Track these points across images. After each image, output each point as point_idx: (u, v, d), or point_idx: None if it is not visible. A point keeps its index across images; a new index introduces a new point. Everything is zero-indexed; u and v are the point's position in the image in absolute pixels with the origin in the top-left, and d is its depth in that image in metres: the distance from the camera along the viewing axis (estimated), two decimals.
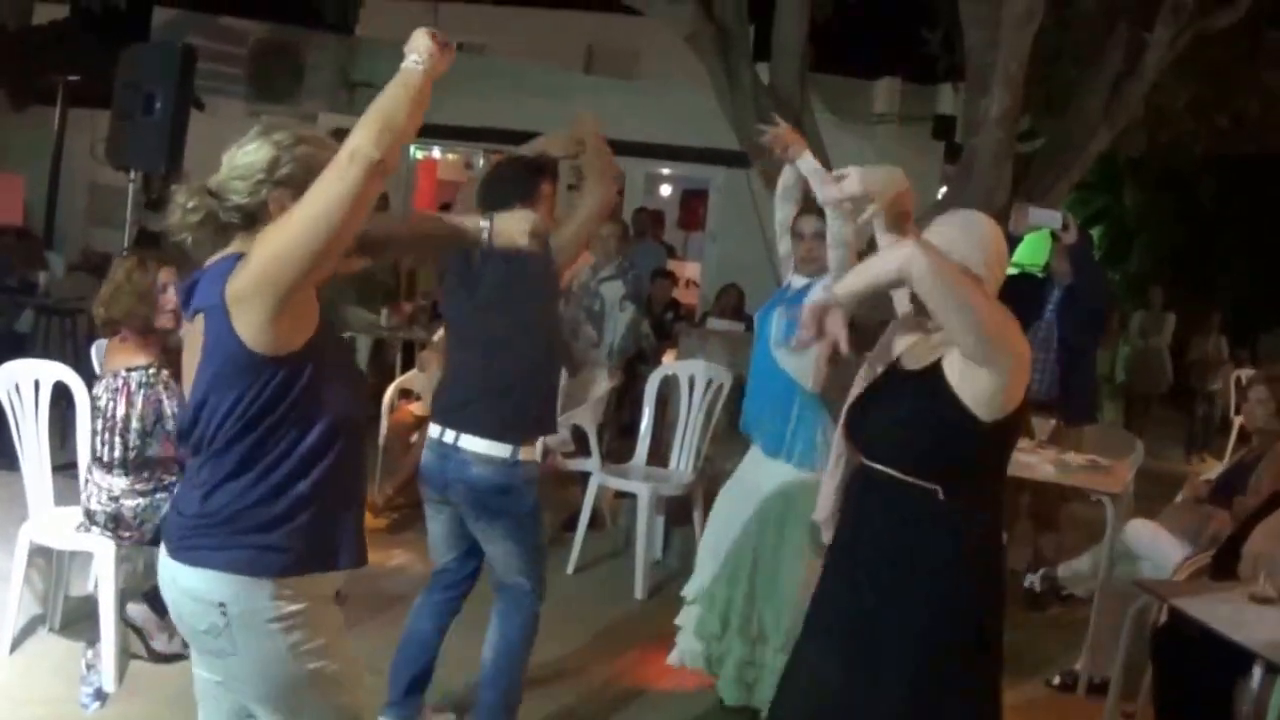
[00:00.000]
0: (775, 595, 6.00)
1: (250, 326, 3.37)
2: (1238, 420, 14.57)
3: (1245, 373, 15.51)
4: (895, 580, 4.09)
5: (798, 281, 6.23)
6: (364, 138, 3.26)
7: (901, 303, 4.45)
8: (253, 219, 3.51)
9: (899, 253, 3.78)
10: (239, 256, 3.43)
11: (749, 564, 6.09)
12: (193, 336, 3.51)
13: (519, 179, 5.55)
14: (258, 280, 3.33)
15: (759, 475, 6.19)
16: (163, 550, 3.62)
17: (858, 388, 4.33)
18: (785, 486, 6.01)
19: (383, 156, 3.24)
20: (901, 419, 4.10)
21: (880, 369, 4.29)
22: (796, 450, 6.03)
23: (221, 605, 3.48)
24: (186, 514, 3.56)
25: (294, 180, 3.51)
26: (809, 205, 6.18)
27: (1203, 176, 21.14)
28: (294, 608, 3.50)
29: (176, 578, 3.56)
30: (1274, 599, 5.14)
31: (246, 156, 3.55)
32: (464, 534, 5.64)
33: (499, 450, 5.39)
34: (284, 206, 3.46)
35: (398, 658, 5.76)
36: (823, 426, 5.93)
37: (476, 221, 4.29)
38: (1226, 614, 5.01)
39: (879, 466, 4.11)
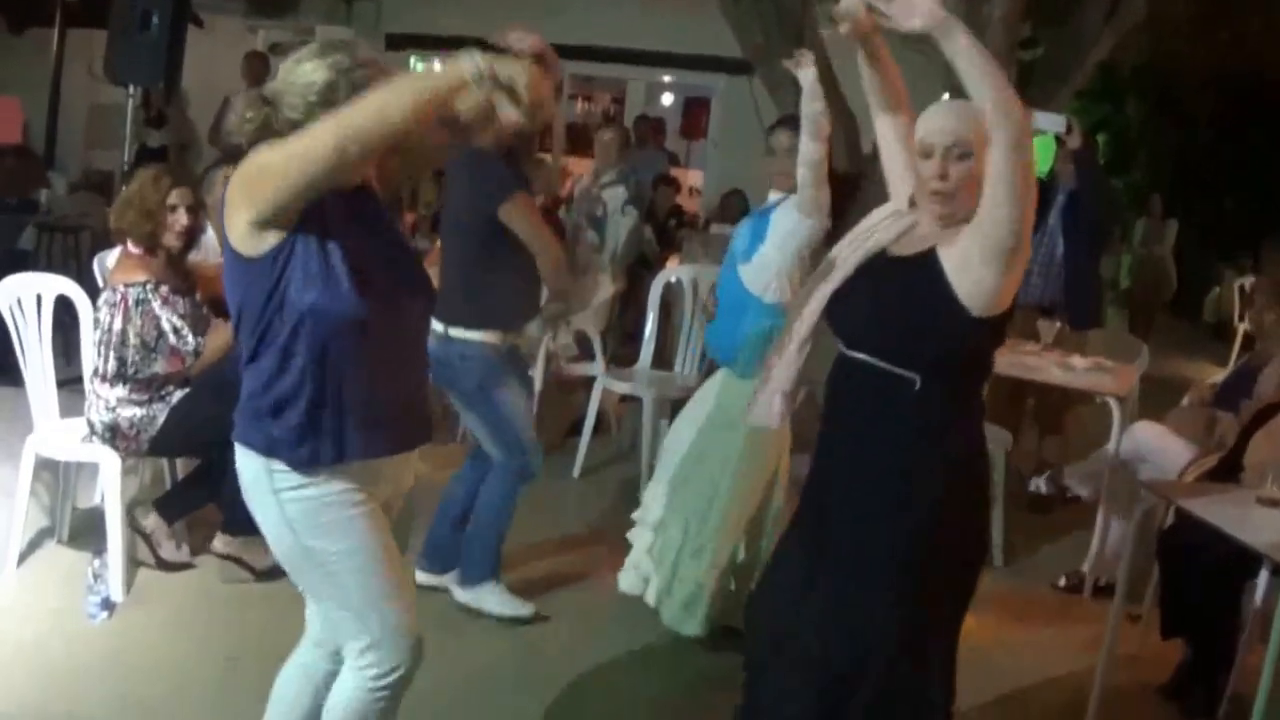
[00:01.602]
0: (710, 512, 6.00)
1: (234, 229, 3.50)
2: (1241, 327, 14.59)
3: (1248, 280, 15.53)
4: (869, 471, 4.10)
5: (772, 197, 6.20)
6: (352, 116, 3.35)
7: (898, 184, 4.40)
8: None
9: (1016, 103, 3.67)
10: None
11: (690, 479, 6.10)
12: None
13: None
14: (241, 190, 3.47)
15: (714, 389, 6.21)
16: None
17: (834, 278, 4.27)
18: (732, 397, 5.93)
19: (347, 144, 3.33)
20: (886, 305, 4.05)
21: (858, 258, 4.23)
22: (742, 360, 5.95)
23: (240, 472, 3.71)
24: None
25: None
26: (785, 119, 6.15)
27: (1202, 91, 21.05)
28: (291, 483, 3.63)
29: None
30: None
31: (304, 75, 3.60)
32: None
33: (437, 326, 5.86)
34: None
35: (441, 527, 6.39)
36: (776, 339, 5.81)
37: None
38: (1234, 515, 4.99)
39: (858, 355, 4.08)
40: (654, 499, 6.26)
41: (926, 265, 3.95)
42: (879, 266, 4.13)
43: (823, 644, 4.16)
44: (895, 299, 4.04)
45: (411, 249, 3.97)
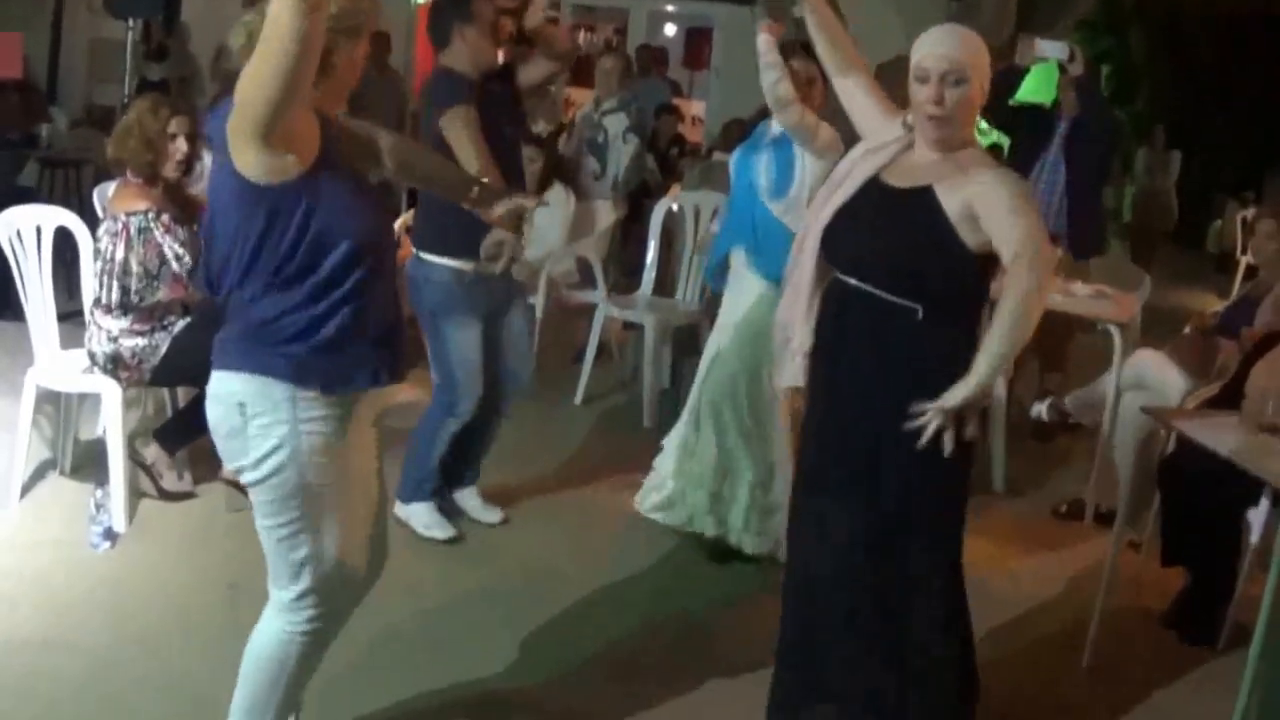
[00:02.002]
0: (758, 436, 6.15)
1: (244, 158, 3.44)
2: (1244, 259, 14.57)
3: (1251, 212, 15.50)
4: (877, 395, 4.17)
5: (777, 126, 6.20)
6: None
7: (881, 131, 4.41)
8: None
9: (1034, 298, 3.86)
10: None
11: (731, 407, 6.18)
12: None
13: (454, 4, 6.03)
14: (239, 115, 3.40)
15: (747, 315, 6.21)
16: None
17: (829, 205, 4.29)
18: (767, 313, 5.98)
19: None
20: (887, 237, 4.11)
21: (846, 191, 4.25)
22: None
23: (241, 405, 3.62)
24: (225, 333, 3.71)
25: (356, 32, 3.63)
26: (785, 46, 6.11)
27: (1205, 23, 20.98)
28: (315, 412, 3.61)
29: (210, 387, 3.71)
30: None
31: None
32: None
33: (414, 247, 6.19)
34: (338, 49, 3.58)
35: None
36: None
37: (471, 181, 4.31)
38: (1235, 442, 4.98)
39: (859, 284, 4.13)
40: (693, 435, 6.31)
41: (925, 200, 4.01)
42: (875, 195, 4.15)
43: (842, 583, 4.31)
44: (895, 231, 4.10)
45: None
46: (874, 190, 4.17)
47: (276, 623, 3.84)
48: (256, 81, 3.31)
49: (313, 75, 3.36)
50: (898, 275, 4.05)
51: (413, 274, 6.14)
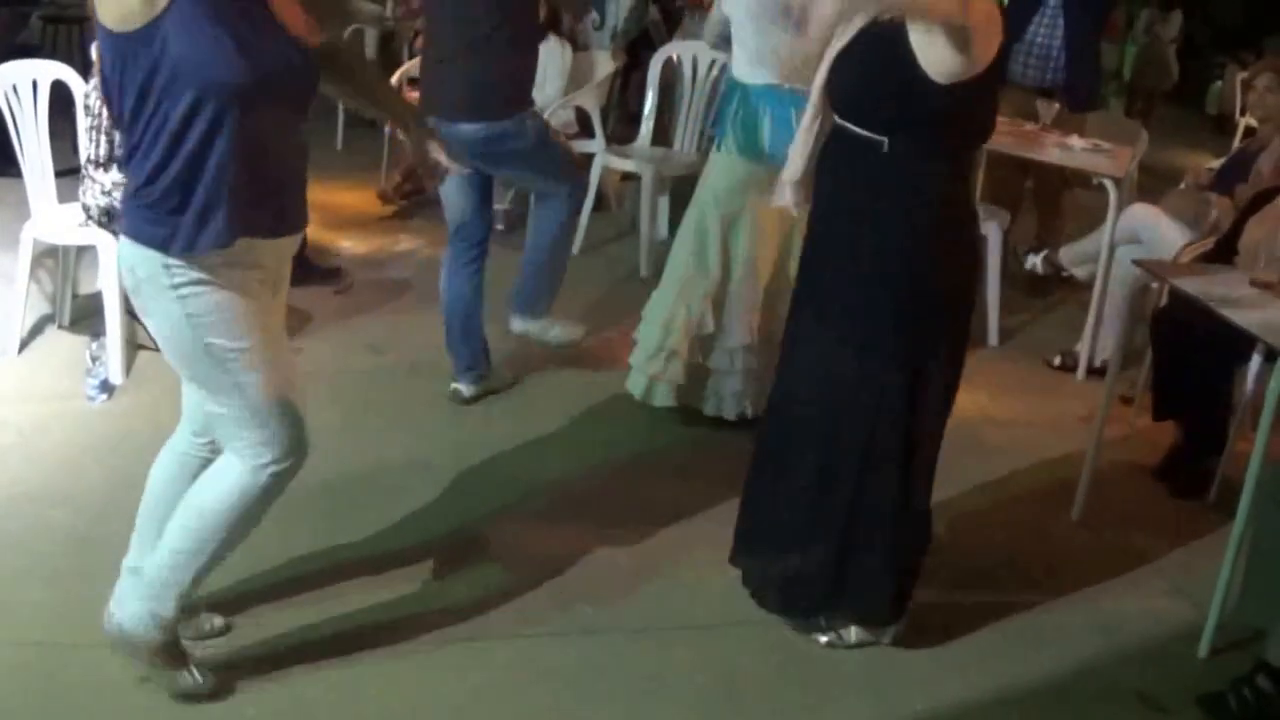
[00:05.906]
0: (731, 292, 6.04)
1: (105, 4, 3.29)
2: (1243, 121, 14.52)
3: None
4: (844, 230, 4.20)
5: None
6: None
7: None
8: None
9: None
10: None
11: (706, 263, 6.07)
12: None
13: None
14: None
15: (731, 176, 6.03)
16: None
17: (835, 46, 4.27)
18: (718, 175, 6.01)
19: None
20: (859, 72, 4.09)
21: (852, 30, 4.22)
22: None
23: (131, 269, 3.54)
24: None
25: None
26: None
27: None
28: (187, 277, 3.48)
29: None
30: (1275, 283, 5.12)
31: None
32: (474, 186, 6.00)
33: (476, 125, 5.82)
34: None
35: (449, 333, 6.24)
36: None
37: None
38: (1226, 296, 4.99)
39: (840, 121, 4.16)
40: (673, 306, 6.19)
41: (895, 32, 3.95)
42: (866, 37, 4.12)
43: (811, 404, 4.35)
44: (868, 67, 4.08)
45: (292, 35, 3.68)
46: (869, 31, 4.13)
47: (236, 464, 3.73)
48: None
49: None
50: (865, 107, 4.07)
51: (496, 132, 5.85)
